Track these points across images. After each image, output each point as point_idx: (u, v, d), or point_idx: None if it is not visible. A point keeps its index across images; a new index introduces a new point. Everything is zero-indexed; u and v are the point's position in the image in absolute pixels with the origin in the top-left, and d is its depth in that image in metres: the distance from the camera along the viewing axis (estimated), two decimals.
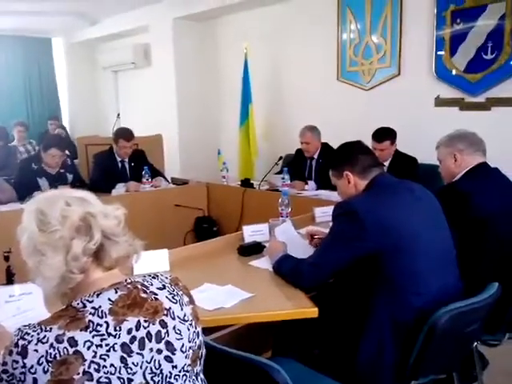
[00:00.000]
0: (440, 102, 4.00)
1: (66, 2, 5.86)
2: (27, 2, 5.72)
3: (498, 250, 1.91)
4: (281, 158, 4.35)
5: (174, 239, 3.60)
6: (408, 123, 3.98)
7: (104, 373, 0.86)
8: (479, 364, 1.88)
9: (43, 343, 0.85)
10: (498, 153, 2.43)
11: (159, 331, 0.95)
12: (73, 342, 0.86)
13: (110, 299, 0.93)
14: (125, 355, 0.89)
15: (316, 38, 4.85)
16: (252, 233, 2.34)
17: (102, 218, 0.98)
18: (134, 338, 0.91)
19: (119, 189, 3.84)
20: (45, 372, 0.84)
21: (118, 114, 6.43)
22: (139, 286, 0.98)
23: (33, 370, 0.84)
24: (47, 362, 0.84)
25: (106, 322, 0.90)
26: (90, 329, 0.89)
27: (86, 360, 0.86)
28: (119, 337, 0.90)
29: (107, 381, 0.87)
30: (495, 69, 3.63)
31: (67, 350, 0.85)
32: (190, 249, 2.30)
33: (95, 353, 0.87)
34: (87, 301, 0.92)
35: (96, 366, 0.86)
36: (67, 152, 4.40)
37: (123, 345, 0.90)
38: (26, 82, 7.74)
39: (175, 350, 0.96)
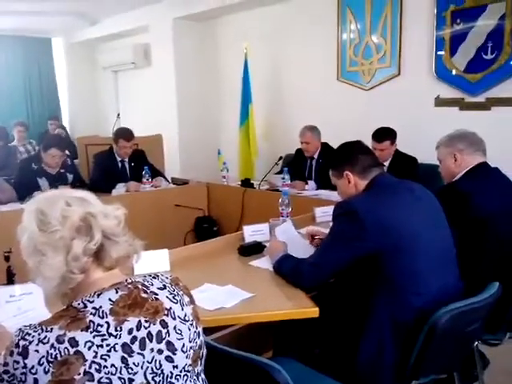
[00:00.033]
0: (440, 102, 4.00)
1: (65, 2, 5.86)
2: (27, 2, 5.72)
3: (498, 250, 1.91)
4: (281, 157, 4.36)
5: (174, 239, 3.60)
6: (408, 123, 3.98)
7: (105, 373, 0.86)
8: (480, 363, 1.88)
9: (44, 343, 0.85)
10: (497, 153, 2.43)
11: (160, 331, 0.95)
12: (74, 342, 0.86)
13: (110, 299, 0.93)
14: (126, 355, 0.89)
15: (316, 38, 4.84)
16: (252, 233, 2.34)
17: (102, 218, 0.98)
18: (134, 338, 0.91)
19: (119, 189, 3.84)
20: (46, 372, 0.84)
21: (118, 114, 6.44)
22: (140, 286, 0.98)
23: (34, 371, 0.84)
24: (48, 362, 0.84)
25: (107, 322, 0.90)
26: (91, 329, 0.89)
27: (86, 360, 0.86)
28: (120, 337, 0.90)
29: (108, 381, 0.87)
30: (495, 69, 3.63)
31: (68, 350, 0.85)
32: (191, 249, 2.30)
33: (96, 353, 0.87)
34: (88, 301, 0.92)
35: (97, 367, 0.86)
36: (67, 152, 4.40)
37: (124, 345, 0.90)
38: (26, 81, 7.73)
39: (176, 350, 0.96)
